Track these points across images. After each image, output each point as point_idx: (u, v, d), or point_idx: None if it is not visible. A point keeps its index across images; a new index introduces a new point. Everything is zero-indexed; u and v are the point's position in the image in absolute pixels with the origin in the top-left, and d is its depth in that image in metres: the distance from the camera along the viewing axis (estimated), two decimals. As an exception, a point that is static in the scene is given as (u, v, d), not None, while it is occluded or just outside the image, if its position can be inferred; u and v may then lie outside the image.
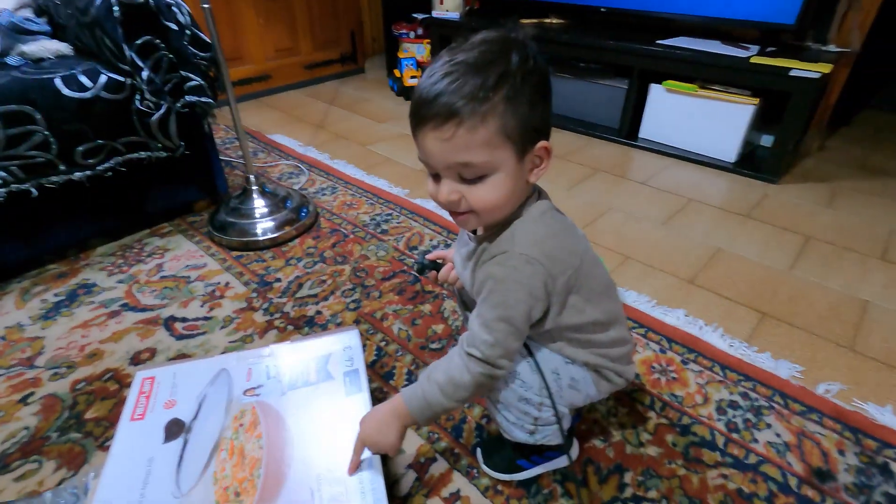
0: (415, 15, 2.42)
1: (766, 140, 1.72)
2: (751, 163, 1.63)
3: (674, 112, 1.71)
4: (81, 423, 0.80)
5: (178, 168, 1.26)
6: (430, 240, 1.28)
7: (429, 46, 2.36)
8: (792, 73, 1.39)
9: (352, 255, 1.22)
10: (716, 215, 1.39)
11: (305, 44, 2.47)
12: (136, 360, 0.92)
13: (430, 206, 1.42)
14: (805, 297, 1.08)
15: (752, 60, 1.45)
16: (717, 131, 1.63)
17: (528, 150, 0.51)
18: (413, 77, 2.32)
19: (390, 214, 1.39)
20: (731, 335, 0.97)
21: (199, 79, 1.15)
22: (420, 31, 2.42)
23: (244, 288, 1.11)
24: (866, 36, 1.54)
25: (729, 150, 1.62)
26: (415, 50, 2.43)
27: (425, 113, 0.48)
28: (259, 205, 1.29)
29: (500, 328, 0.54)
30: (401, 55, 2.42)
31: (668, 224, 1.35)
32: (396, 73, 2.39)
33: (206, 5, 1.06)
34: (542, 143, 0.52)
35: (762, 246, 1.26)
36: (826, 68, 1.36)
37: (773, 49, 1.53)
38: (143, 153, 1.17)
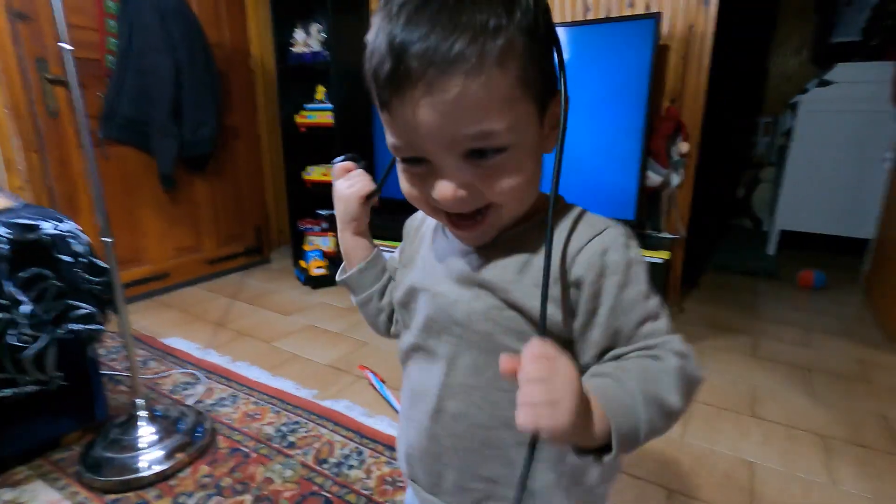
0: (319, 211, 2.63)
1: (637, 308, 1.99)
2: (629, 330, 1.85)
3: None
4: None
5: (46, 399, 1.13)
6: (342, 447, 1.22)
7: (334, 239, 2.52)
8: (642, 259, 1.68)
9: (254, 479, 1.11)
10: (611, 386, 1.51)
11: (209, 241, 2.52)
12: None
13: (340, 407, 1.38)
14: (701, 465, 1.16)
15: (610, 249, 1.75)
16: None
17: (548, 105, 0.39)
18: (319, 267, 2.42)
19: (297, 423, 1.32)
20: (648, 521, 0.99)
21: (88, 306, 1.11)
22: (325, 226, 2.60)
23: (118, 546, 0.93)
24: (688, 223, 1.95)
25: (609, 320, 1.84)
26: (320, 242, 2.58)
27: (409, 65, 0.32)
28: (146, 433, 1.16)
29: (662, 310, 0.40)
30: (306, 248, 2.54)
31: (571, 401, 1.43)
32: (302, 263, 2.49)
33: (108, 239, 1.08)
34: (558, 94, 0.39)
35: (655, 414, 1.36)
36: (665, 255, 1.68)
37: (624, 238, 1.87)
38: (7, 391, 1.05)
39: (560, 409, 0.31)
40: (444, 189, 0.37)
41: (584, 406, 0.33)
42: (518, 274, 0.41)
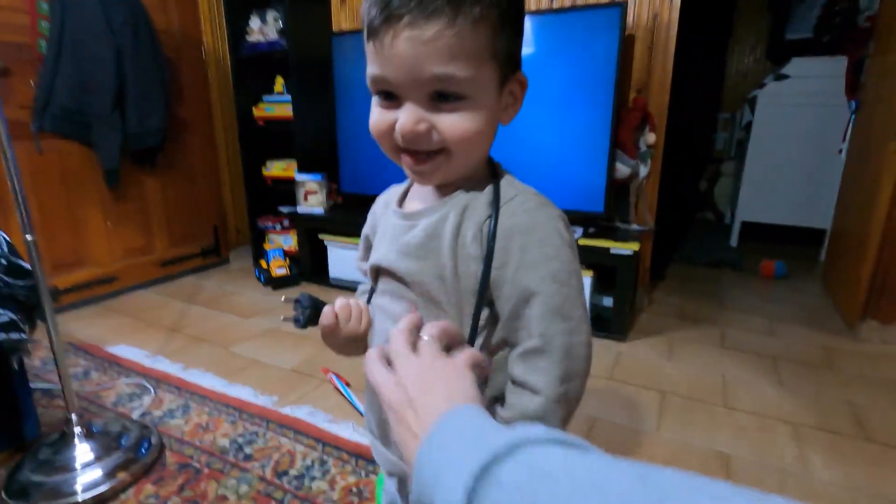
0: (280, 209, 2.51)
1: (608, 301, 1.97)
2: (601, 324, 1.82)
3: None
4: None
5: (-34, 420, 1.00)
6: (304, 458, 1.13)
7: (296, 237, 2.41)
8: (612, 252, 1.66)
9: (206, 497, 1.01)
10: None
11: (161, 241, 2.36)
12: None
13: (302, 414, 1.29)
14: (677, 459, 1.13)
15: (580, 242, 1.72)
16: (567, 299, 1.82)
17: (508, 80, 0.45)
18: (280, 267, 2.31)
19: (255, 432, 1.23)
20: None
21: (10, 313, 0.99)
22: (286, 223, 2.49)
23: (45, 582, 0.83)
24: (656, 215, 1.95)
25: (580, 314, 1.81)
26: (281, 241, 2.47)
27: (399, 7, 0.38)
28: (82, 451, 1.05)
29: (573, 302, 0.45)
30: (267, 246, 2.42)
31: (545, 398, 1.39)
32: (263, 263, 2.37)
33: (30, 237, 0.96)
34: (519, 74, 0.46)
35: (630, 409, 1.34)
36: (635, 246, 1.66)
37: (594, 230, 1.84)
38: (-88, 412, 0.92)
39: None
40: (407, 120, 0.41)
41: None
42: (443, 235, 0.47)
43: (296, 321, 0.52)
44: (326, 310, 0.52)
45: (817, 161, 2.60)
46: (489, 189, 0.47)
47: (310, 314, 0.51)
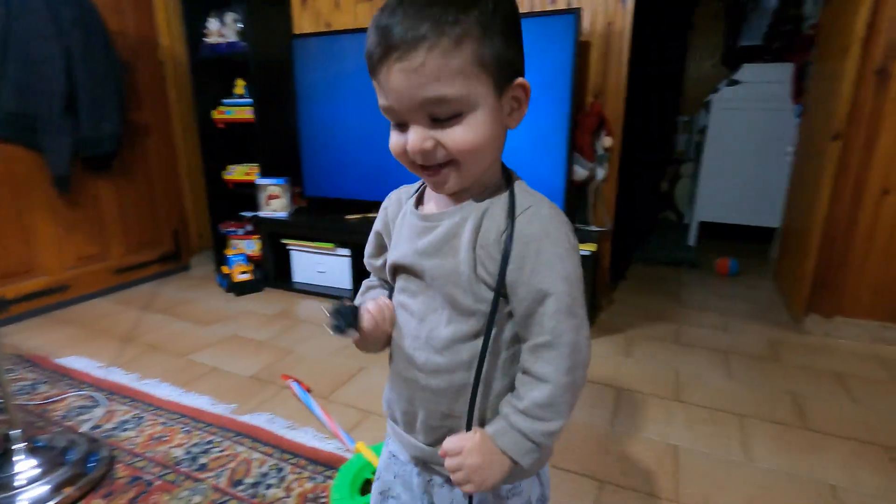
0: (243, 213, 2.47)
1: (570, 301, 2.01)
2: (562, 323, 1.86)
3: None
4: None
5: None
6: (260, 466, 1.12)
7: (259, 242, 2.38)
8: (570, 252, 1.70)
9: (156, 510, 0.99)
10: (544, 380, 1.50)
11: (117, 248, 2.29)
12: None
13: (260, 421, 1.28)
14: (630, 453, 1.17)
15: (540, 243, 1.76)
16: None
17: (506, 87, 0.48)
18: (243, 272, 2.27)
19: (210, 442, 1.20)
20: (579, 514, 0.98)
21: (-57, 326, 0.95)
22: (249, 228, 2.45)
23: None
24: (614, 216, 2.00)
25: (542, 314, 1.84)
26: (244, 246, 2.43)
27: (389, 41, 0.42)
28: (25, 468, 1.01)
29: (579, 302, 0.50)
30: (229, 252, 2.38)
31: (505, 397, 1.41)
32: (225, 269, 2.32)
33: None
34: (519, 80, 0.49)
35: (587, 406, 1.36)
36: (593, 247, 1.70)
37: (554, 232, 1.88)
38: None
39: (477, 482, 0.49)
40: (414, 140, 0.46)
41: (489, 459, 0.50)
42: (462, 235, 0.50)
43: (336, 328, 0.52)
44: (364, 313, 0.55)
45: (767, 163, 2.71)
46: (506, 196, 0.51)
47: (351, 320, 0.50)
